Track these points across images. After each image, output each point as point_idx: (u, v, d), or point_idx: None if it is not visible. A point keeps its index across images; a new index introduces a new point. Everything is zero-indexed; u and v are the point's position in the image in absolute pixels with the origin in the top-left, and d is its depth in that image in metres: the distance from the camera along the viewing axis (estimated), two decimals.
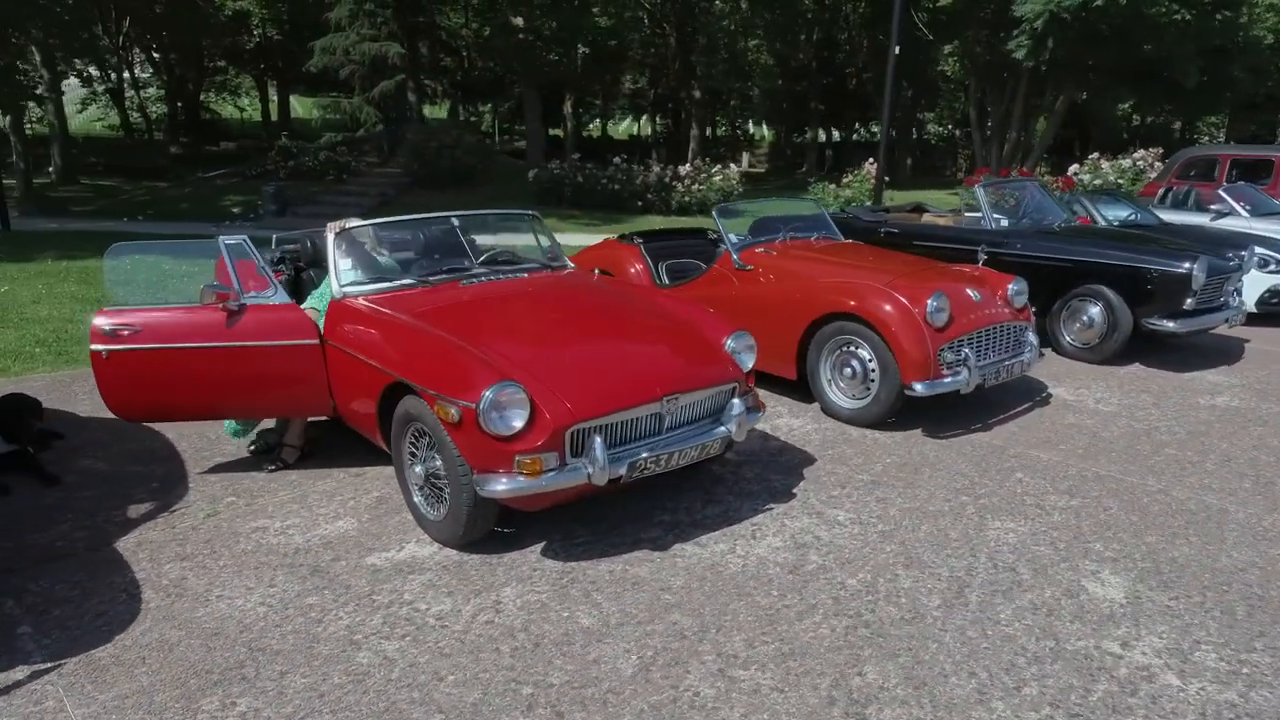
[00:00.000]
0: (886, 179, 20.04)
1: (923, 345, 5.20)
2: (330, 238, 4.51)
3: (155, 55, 34.46)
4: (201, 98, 37.31)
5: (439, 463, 3.67)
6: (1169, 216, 11.08)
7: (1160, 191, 12.58)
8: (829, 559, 3.82)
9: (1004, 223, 8.08)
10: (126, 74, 33.36)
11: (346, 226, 4.61)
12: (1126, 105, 37.08)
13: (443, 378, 3.55)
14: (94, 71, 31.42)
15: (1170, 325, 6.97)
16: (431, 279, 4.56)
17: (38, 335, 7.38)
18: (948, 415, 5.77)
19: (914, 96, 36.26)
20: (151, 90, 36.81)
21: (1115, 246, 7.33)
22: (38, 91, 21.02)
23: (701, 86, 30.73)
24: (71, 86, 32.30)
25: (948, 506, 4.40)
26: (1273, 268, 9.23)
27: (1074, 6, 19.28)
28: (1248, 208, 11.19)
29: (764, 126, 50.82)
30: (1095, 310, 7.28)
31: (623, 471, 3.58)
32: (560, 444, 3.49)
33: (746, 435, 4.21)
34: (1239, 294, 7.79)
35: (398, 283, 4.50)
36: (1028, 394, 6.36)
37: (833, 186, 20.41)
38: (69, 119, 33.09)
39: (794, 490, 4.57)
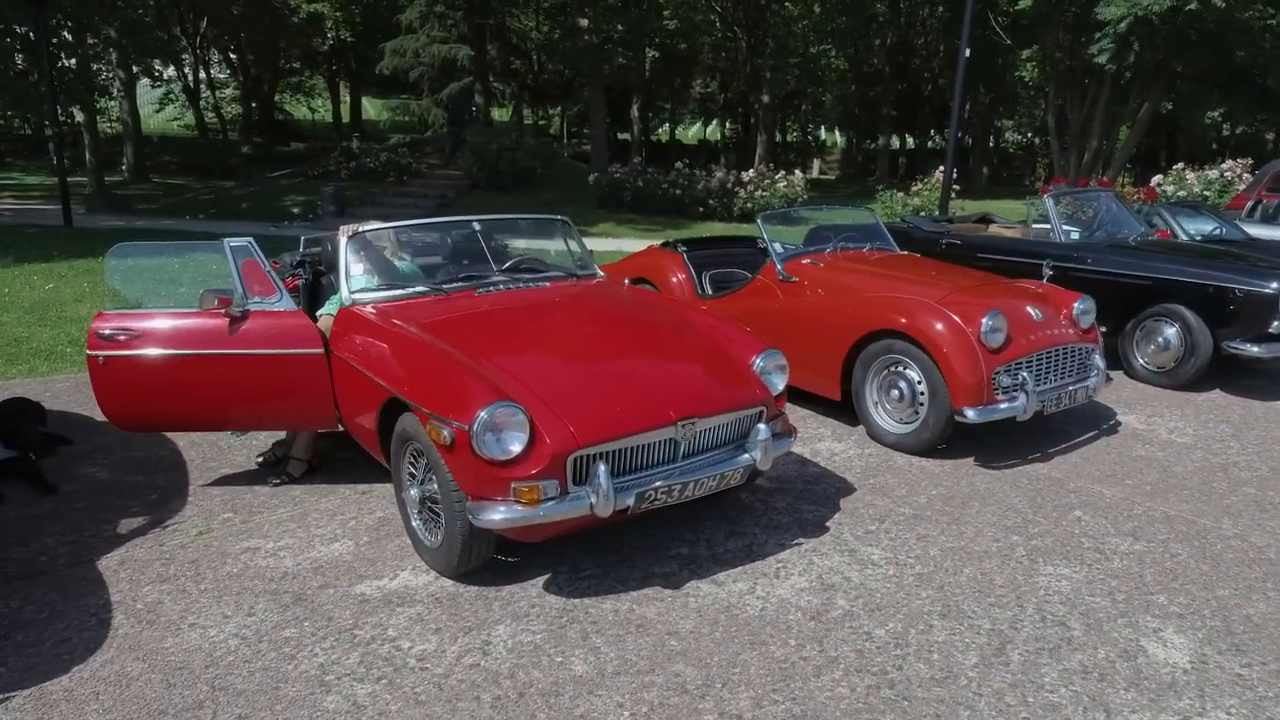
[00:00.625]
0: (957, 187, 19.41)
1: (975, 368, 4.80)
2: (342, 241, 4.31)
3: (232, 56, 35.34)
4: (276, 99, 38.13)
5: (436, 486, 3.43)
6: (1257, 231, 10.41)
7: (1249, 205, 11.82)
8: (857, 604, 3.47)
9: (1074, 235, 7.59)
10: (203, 74, 34.23)
11: (360, 229, 4.41)
12: (1216, 114, 35.51)
13: (436, 395, 3.30)
14: (171, 71, 32.20)
15: (1254, 349, 6.42)
16: (446, 287, 4.33)
17: (71, 335, 7.38)
18: (1004, 443, 5.35)
19: (991, 103, 35.27)
20: (227, 91, 37.75)
21: (1195, 263, 6.78)
22: (112, 91, 21.58)
23: (770, 91, 30.23)
24: (148, 87, 33.35)
25: (995, 547, 4.01)
26: None
27: (1162, 11, 18.36)
28: None
29: (836, 132, 50.10)
30: (1172, 331, 6.75)
31: (630, 502, 3.28)
32: (561, 471, 3.22)
33: (774, 463, 3.90)
34: None
35: (409, 290, 4.27)
36: (1094, 422, 5.89)
37: (901, 195, 19.85)
38: (147, 118, 34.17)
39: (827, 523, 4.22)
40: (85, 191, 19.22)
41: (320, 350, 4.01)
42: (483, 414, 3.11)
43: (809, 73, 36.00)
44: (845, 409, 5.60)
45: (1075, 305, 5.49)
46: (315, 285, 4.99)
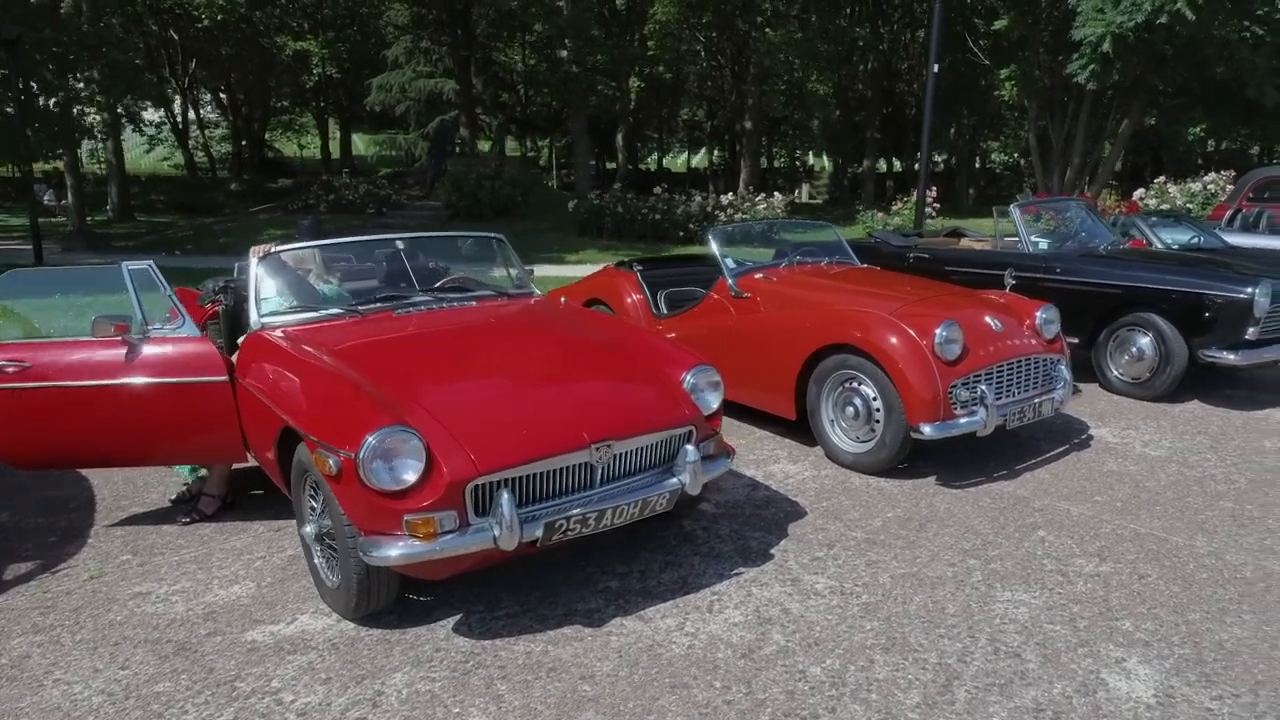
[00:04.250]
0: (936, 206, 19.30)
1: (931, 381, 4.56)
2: (253, 263, 4.07)
3: (222, 95, 35.40)
4: (266, 136, 38.16)
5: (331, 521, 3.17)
6: (1238, 240, 10.24)
7: (1228, 214, 11.67)
8: (794, 639, 3.19)
9: (1043, 245, 7.38)
10: (192, 113, 34.28)
11: (273, 250, 4.17)
12: (1198, 129, 35.56)
13: (325, 422, 3.05)
14: (160, 114, 32.21)
15: (1231, 357, 6.18)
16: (362, 309, 4.08)
17: None
18: (969, 460, 5.09)
19: (976, 124, 35.34)
20: (217, 130, 37.78)
21: (1168, 269, 6.57)
22: (95, 133, 21.48)
23: (753, 116, 30.23)
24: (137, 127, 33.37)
25: (951, 572, 3.75)
26: None
27: (1136, 27, 18.31)
28: None
29: (824, 157, 50.25)
30: (1145, 341, 6.52)
31: (539, 533, 3.02)
32: (459, 501, 2.95)
33: (720, 487, 3.65)
34: None
35: (322, 313, 4.02)
36: (1065, 435, 5.64)
37: (881, 214, 19.75)
38: (138, 159, 34.15)
39: (772, 551, 3.95)
40: (64, 230, 19.03)
41: (224, 378, 3.76)
42: (371, 440, 2.85)
43: (794, 98, 36.12)
44: (803, 429, 5.35)
45: (1038, 314, 5.25)
46: (239, 310, 4.75)
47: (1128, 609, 3.43)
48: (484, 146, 43.74)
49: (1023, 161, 40.61)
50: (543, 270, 11.72)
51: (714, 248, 5.88)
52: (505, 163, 21.60)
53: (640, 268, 6.69)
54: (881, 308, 4.92)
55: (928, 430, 4.54)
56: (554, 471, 3.13)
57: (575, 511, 3.09)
